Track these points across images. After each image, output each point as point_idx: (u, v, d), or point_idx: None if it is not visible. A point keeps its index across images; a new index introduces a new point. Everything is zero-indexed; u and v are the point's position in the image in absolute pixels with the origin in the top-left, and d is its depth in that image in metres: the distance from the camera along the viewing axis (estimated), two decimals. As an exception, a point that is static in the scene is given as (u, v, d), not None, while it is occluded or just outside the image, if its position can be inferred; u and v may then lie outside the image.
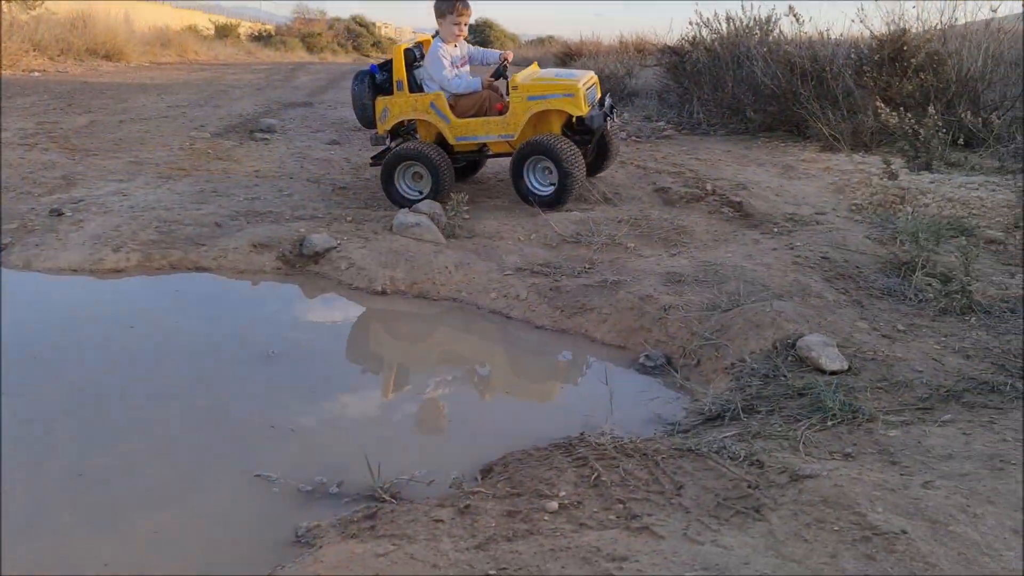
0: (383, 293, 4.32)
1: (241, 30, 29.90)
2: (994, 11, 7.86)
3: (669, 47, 11.01)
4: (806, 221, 5.20)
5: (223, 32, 27.77)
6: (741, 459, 2.46)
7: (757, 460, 2.45)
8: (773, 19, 9.52)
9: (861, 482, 2.23)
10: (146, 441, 2.83)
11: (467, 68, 5.68)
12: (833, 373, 3.24)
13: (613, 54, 15.17)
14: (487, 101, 5.46)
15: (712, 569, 1.87)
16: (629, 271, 4.35)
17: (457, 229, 4.95)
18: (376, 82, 5.62)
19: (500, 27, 34.60)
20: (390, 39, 38.50)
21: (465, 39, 5.66)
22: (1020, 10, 8.16)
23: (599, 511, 2.21)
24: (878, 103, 6.93)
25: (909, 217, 4.93)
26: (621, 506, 2.22)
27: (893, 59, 7.65)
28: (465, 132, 5.46)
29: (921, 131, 6.45)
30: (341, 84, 13.28)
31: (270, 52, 26.46)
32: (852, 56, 8.23)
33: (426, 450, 2.87)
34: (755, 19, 9.62)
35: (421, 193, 5.48)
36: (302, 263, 4.58)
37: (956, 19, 8.17)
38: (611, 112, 5.58)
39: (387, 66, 5.58)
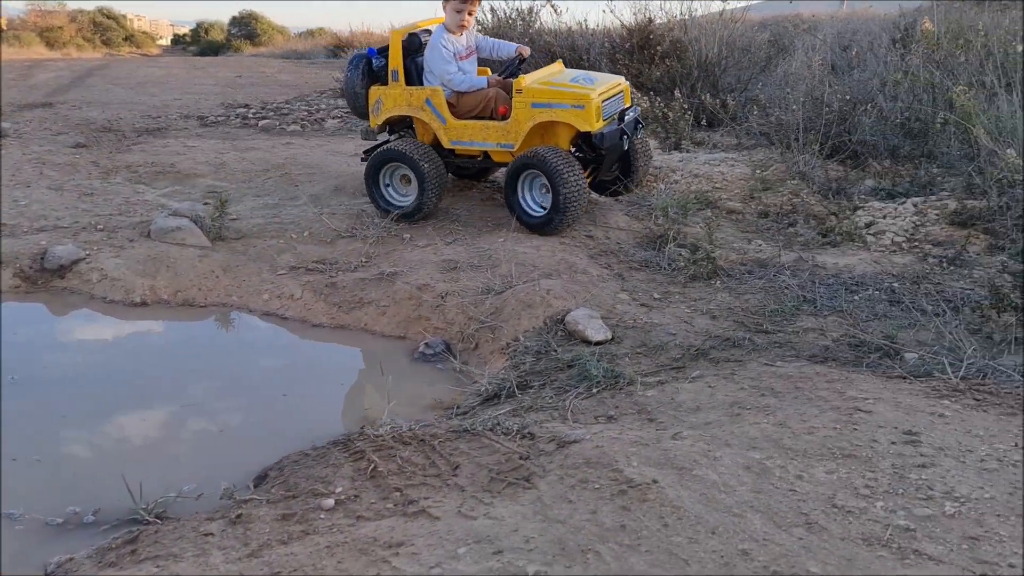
0: (143, 304, 4.03)
1: (-37, 25, 26.47)
2: (724, 2, 8.69)
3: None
4: (572, 202, 5.46)
5: (-60, 27, 24.46)
6: (514, 433, 2.56)
7: (529, 432, 2.56)
8: (534, 11, 9.91)
9: (620, 441, 2.40)
10: None
11: (474, 59, 5.02)
12: (598, 343, 3.45)
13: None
14: (492, 102, 4.75)
15: (484, 541, 1.93)
16: (406, 262, 4.37)
17: (224, 231, 4.70)
18: (372, 68, 4.98)
19: (267, 20, 33.07)
20: (144, 33, 35.74)
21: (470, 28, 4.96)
22: (745, 3, 9.07)
23: (376, 502, 2.21)
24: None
25: (661, 194, 5.34)
26: (398, 494, 2.24)
27: (642, 47, 8.22)
28: (461, 136, 4.79)
29: (670, 114, 7.00)
30: (87, 82, 12.18)
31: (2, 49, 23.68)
32: (607, 45, 8.75)
33: (196, 465, 2.72)
34: (517, 11, 9.97)
35: (410, 200, 4.89)
36: (45, 279, 4.16)
37: (695, 10, 8.94)
38: (636, 127, 4.89)
39: (387, 51, 4.94)
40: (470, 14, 4.82)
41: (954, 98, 5.16)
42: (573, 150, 4.74)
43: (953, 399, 2.60)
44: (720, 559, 1.78)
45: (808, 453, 2.24)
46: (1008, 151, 4.34)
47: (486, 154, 4.89)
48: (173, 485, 2.50)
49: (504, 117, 4.69)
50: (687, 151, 6.76)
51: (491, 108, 4.76)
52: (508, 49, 5.00)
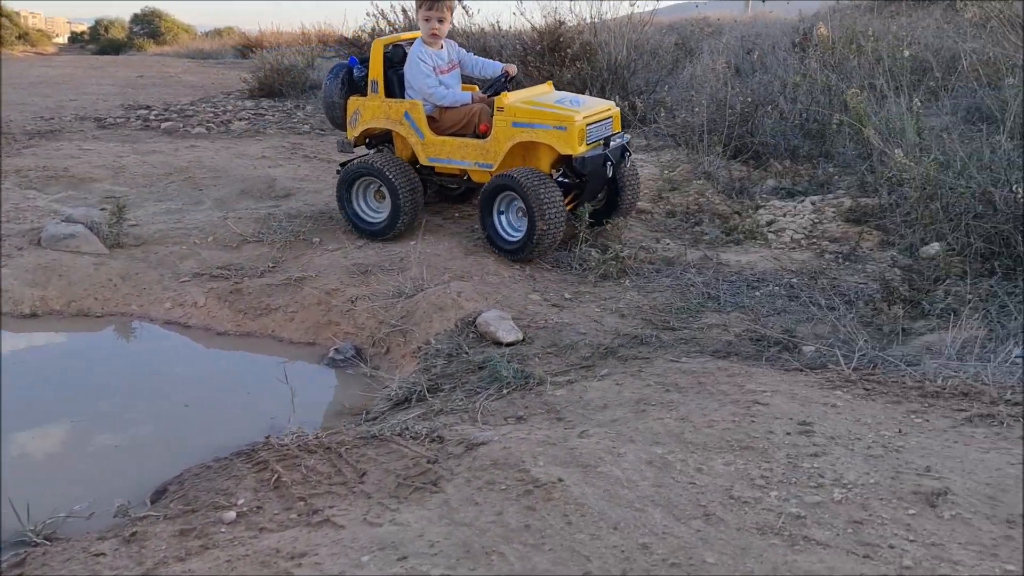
0: (33, 315, 3.84)
1: None
2: (632, 5, 8.86)
3: (347, 39, 10.98)
4: (484, 204, 5.47)
5: None
6: (423, 437, 2.54)
7: (438, 436, 2.55)
8: (446, 12, 9.86)
9: (528, 441, 2.41)
10: None
11: (456, 73, 4.83)
12: (510, 344, 3.46)
13: (295, 45, 14.79)
14: (476, 117, 4.55)
15: (388, 548, 1.91)
16: (315, 266, 4.30)
17: (122, 237, 4.53)
18: (353, 78, 4.80)
19: (172, 18, 31.97)
20: (39, 31, 34.11)
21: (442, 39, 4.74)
22: (653, 6, 9.27)
23: (280, 512, 2.17)
24: (542, 91, 7.49)
25: (572, 194, 5.39)
26: (302, 503, 2.19)
27: (553, 49, 8.30)
28: (439, 153, 4.58)
29: (580, 116, 7.09)
30: (-23, 82, 11.55)
31: None
32: (518, 47, 8.80)
33: (91, 482, 2.62)
34: (430, 12, 9.91)
35: (382, 216, 4.69)
36: (-74, 290, 3.92)
37: (604, 13, 9.09)
38: (623, 155, 4.65)
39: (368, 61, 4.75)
40: (440, 22, 4.61)
41: (848, 100, 5.40)
42: (556, 174, 4.56)
43: (845, 389, 2.71)
44: (621, 554, 1.81)
45: (708, 446, 2.30)
46: (896, 151, 4.56)
47: (463, 174, 4.69)
48: (65, 504, 2.39)
49: (485, 135, 4.51)
50: (598, 152, 6.85)
51: (474, 124, 4.59)
52: (494, 68, 4.85)
